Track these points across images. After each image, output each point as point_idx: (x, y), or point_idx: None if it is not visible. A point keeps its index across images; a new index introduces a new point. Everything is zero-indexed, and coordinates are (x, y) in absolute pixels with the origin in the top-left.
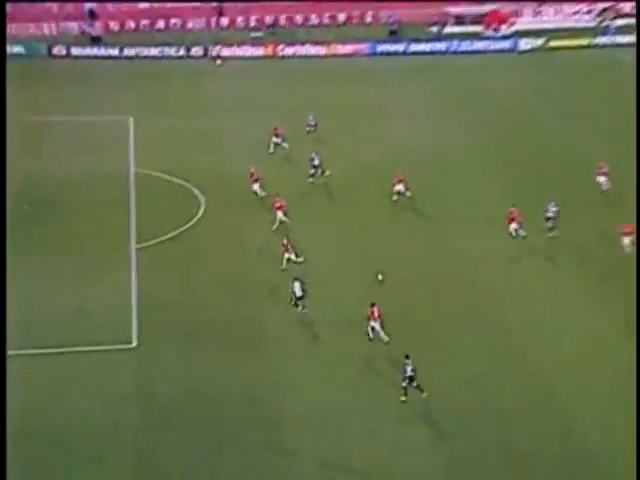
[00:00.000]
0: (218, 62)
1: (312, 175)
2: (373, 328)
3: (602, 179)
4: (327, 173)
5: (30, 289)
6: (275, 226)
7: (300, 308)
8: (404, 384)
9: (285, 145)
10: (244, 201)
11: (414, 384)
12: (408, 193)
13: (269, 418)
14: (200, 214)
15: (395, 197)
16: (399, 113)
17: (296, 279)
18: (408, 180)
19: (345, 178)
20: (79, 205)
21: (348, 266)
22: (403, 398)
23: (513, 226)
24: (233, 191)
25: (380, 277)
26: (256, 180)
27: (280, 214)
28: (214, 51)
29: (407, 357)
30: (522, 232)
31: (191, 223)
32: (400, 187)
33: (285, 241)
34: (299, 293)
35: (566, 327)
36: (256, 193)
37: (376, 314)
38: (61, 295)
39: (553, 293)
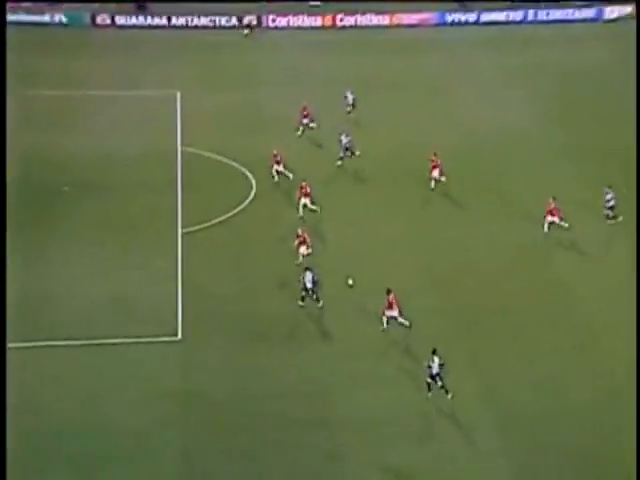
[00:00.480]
0: (245, 32)
1: (341, 158)
2: (390, 318)
3: None
4: (357, 153)
5: (68, 276)
6: (300, 213)
7: (314, 299)
8: (428, 380)
9: (313, 125)
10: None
11: (439, 383)
12: (443, 178)
13: (320, 419)
14: (251, 197)
15: (432, 184)
16: (464, 90)
17: (307, 269)
18: (461, 163)
19: (381, 161)
20: (121, 186)
21: (375, 254)
22: (428, 395)
23: (549, 219)
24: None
25: (350, 282)
26: (278, 162)
27: (306, 201)
28: (246, 19)
29: (434, 352)
30: (564, 224)
31: (241, 207)
32: (435, 173)
33: (300, 232)
34: (309, 285)
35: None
36: (274, 176)
37: (393, 303)
38: (101, 282)
39: (611, 286)
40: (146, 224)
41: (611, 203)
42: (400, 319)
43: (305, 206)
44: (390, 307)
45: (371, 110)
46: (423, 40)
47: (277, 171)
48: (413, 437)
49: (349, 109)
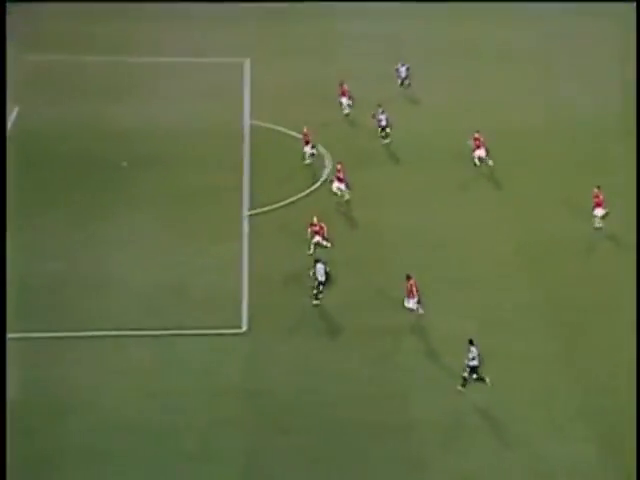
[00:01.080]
0: None
1: (383, 137)
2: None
3: None
4: (388, 135)
5: (124, 260)
6: (347, 196)
7: (317, 296)
8: (465, 374)
9: (348, 104)
10: (376, 163)
11: (475, 376)
12: (490, 162)
13: (397, 423)
14: (324, 177)
15: (477, 162)
16: (543, 61)
17: (318, 261)
18: (514, 144)
19: (422, 142)
20: (183, 162)
21: (409, 237)
22: (460, 388)
23: (598, 212)
24: (364, 150)
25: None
26: (307, 142)
27: (340, 185)
28: None
29: (471, 342)
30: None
31: (314, 187)
32: (481, 152)
33: (316, 220)
34: (321, 278)
35: None
36: (303, 157)
37: (414, 289)
38: (160, 268)
39: None
40: (209, 205)
41: None
42: (419, 309)
43: (339, 192)
44: (410, 294)
45: (433, 83)
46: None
47: (311, 153)
48: (497, 441)
49: (404, 82)
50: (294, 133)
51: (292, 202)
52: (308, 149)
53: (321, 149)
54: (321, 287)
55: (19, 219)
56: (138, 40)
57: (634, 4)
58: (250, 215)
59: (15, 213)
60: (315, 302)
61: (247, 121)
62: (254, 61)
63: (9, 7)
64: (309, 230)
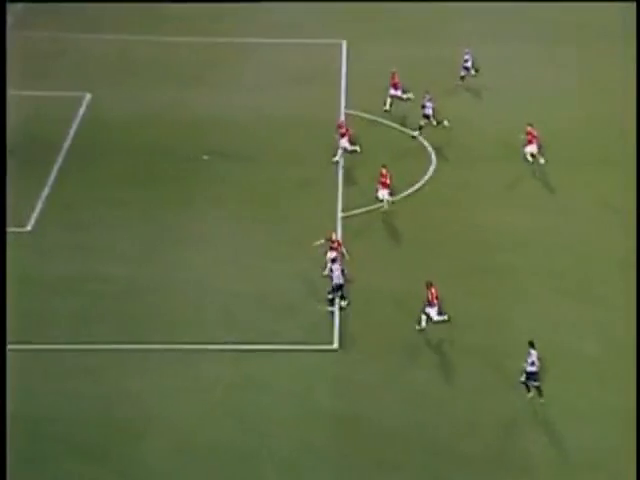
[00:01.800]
0: None
1: (420, 128)
2: (428, 315)
3: None
4: (445, 123)
5: (204, 264)
6: (386, 206)
7: (334, 301)
8: (522, 379)
9: (409, 96)
10: (493, 160)
11: (535, 383)
12: (542, 160)
13: (508, 460)
14: (430, 174)
15: (530, 159)
16: None
17: (334, 260)
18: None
19: (476, 132)
20: (272, 155)
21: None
22: (530, 395)
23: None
24: (476, 146)
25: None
26: (343, 135)
27: (384, 193)
28: None
29: (531, 345)
30: None
31: (417, 186)
32: (532, 148)
33: (333, 237)
34: (338, 281)
35: None
36: (345, 150)
37: (434, 297)
38: (243, 274)
39: None
40: (299, 204)
41: None
42: (437, 317)
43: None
44: (430, 304)
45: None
46: None
47: (344, 148)
48: None
49: (466, 74)
50: (395, 125)
51: (393, 202)
52: (345, 144)
53: (424, 142)
54: (338, 291)
55: (85, 216)
56: (222, 19)
57: (634, 4)
58: (344, 217)
59: (81, 209)
60: (330, 308)
61: (342, 110)
62: (351, 43)
63: None
64: (324, 245)
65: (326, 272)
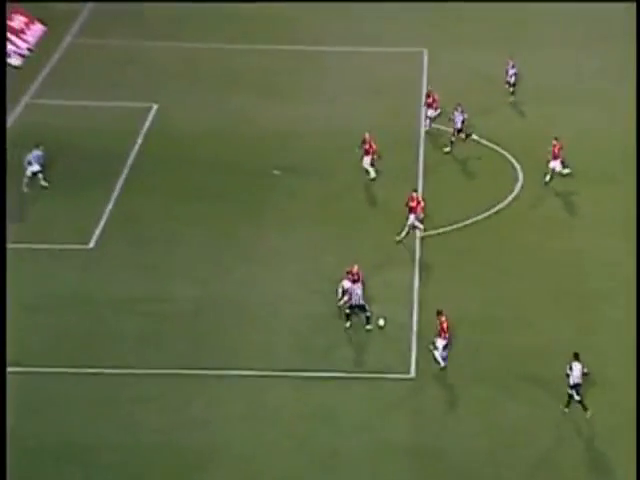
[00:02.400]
0: None
1: (451, 142)
2: (435, 346)
3: None
4: (474, 136)
5: (273, 286)
6: (403, 234)
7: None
8: (569, 391)
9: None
10: (583, 177)
11: (577, 397)
12: (565, 171)
13: None
14: (516, 192)
15: (547, 178)
16: None
17: (356, 281)
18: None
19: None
20: (347, 170)
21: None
22: (565, 409)
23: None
24: (566, 161)
25: (381, 322)
26: (367, 152)
27: (412, 218)
28: None
29: (576, 357)
30: None
31: (502, 204)
32: (556, 164)
33: (356, 269)
34: (359, 301)
35: None
36: (368, 172)
37: (444, 329)
38: (315, 296)
39: None
40: (376, 222)
41: None
42: (439, 353)
43: (414, 227)
44: (441, 335)
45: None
46: None
47: (371, 164)
48: None
49: (508, 83)
50: (477, 138)
51: (475, 222)
52: (367, 162)
53: (510, 158)
54: (365, 309)
55: (150, 232)
56: (298, 26)
57: (634, 4)
58: (423, 237)
59: (146, 225)
60: (347, 324)
61: (422, 122)
62: (432, 52)
63: None
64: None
65: (340, 303)
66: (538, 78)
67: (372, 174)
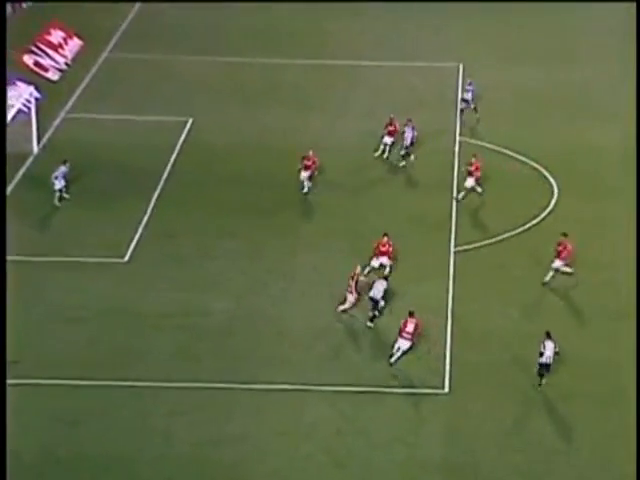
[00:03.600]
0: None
1: (403, 156)
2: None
3: None
4: (411, 158)
5: (306, 301)
6: (367, 271)
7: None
8: (540, 369)
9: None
10: (618, 191)
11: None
12: (479, 189)
13: None
14: (551, 207)
15: (461, 195)
16: None
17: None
18: None
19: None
20: (378, 185)
21: None
22: (541, 382)
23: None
24: (602, 176)
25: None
26: (307, 167)
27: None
28: None
29: (548, 335)
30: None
31: (537, 220)
32: (470, 182)
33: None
34: (378, 296)
35: None
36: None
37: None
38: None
39: None
40: (408, 236)
41: None
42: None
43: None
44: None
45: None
46: None
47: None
48: None
49: (466, 106)
50: (511, 153)
51: (509, 237)
52: (305, 176)
53: (545, 173)
54: (378, 308)
55: (185, 246)
56: (331, 38)
57: (634, 4)
58: (457, 252)
59: (181, 239)
60: (369, 324)
61: (457, 137)
62: (469, 65)
63: None
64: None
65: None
66: (572, 92)
67: (306, 188)
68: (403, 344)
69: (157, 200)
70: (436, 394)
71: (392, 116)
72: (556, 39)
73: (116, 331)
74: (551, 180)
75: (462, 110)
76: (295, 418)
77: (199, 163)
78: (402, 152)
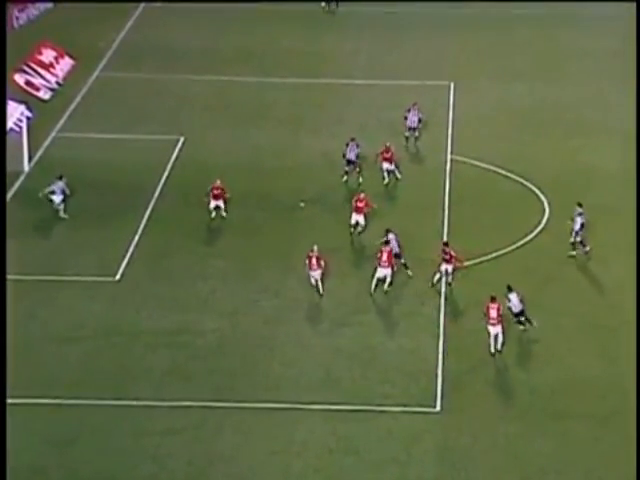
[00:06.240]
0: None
1: (346, 172)
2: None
3: None
4: (399, 176)
5: (300, 320)
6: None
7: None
8: (518, 319)
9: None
10: (608, 209)
11: (522, 318)
12: (399, 175)
13: None
14: (542, 225)
15: (385, 177)
16: None
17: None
18: None
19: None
20: (375, 203)
21: None
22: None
23: None
24: (590, 192)
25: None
26: (216, 197)
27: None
28: None
29: (509, 289)
30: None
31: (528, 238)
32: (387, 165)
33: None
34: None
35: None
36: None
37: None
38: (341, 329)
39: None
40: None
41: None
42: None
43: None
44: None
45: None
46: None
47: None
48: None
49: (416, 133)
50: (502, 171)
51: (499, 255)
52: (213, 204)
53: (536, 191)
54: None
55: (177, 265)
56: (321, 57)
57: (634, 4)
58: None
59: (173, 258)
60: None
61: (449, 156)
62: (459, 83)
63: None
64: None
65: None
66: (563, 110)
67: (213, 214)
68: (382, 272)
69: (149, 218)
70: (428, 412)
71: (388, 144)
72: (549, 57)
73: (109, 349)
74: (541, 197)
75: (407, 138)
76: (288, 437)
77: (191, 181)
78: (345, 168)
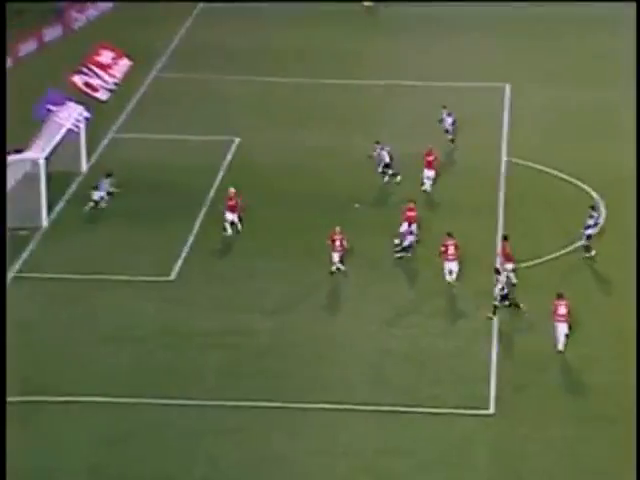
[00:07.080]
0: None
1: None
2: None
3: None
4: (398, 179)
5: (349, 320)
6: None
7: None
8: (496, 302)
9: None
10: None
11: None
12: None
13: None
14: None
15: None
16: None
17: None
18: None
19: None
20: (422, 206)
21: None
22: (490, 315)
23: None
24: None
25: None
26: (232, 209)
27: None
28: None
29: (497, 271)
30: None
31: (582, 241)
32: (427, 171)
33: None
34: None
35: None
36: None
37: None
38: (391, 330)
39: None
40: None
41: None
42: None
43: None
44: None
45: None
46: None
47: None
48: None
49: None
50: (560, 173)
51: (554, 258)
52: (230, 218)
53: (594, 194)
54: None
55: (230, 266)
56: (365, 58)
57: (634, 4)
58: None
59: (226, 259)
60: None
61: (503, 158)
62: (517, 86)
63: None
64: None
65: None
66: (615, 113)
67: (229, 231)
68: (452, 266)
69: (204, 219)
70: (481, 415)
71: (430, 146)
72: (601, 60)
73: (162, 349)
74: (598, 200)
75: (452, 140)
76: (338, 437)
77: (245, 182)
78: (379, 169)
